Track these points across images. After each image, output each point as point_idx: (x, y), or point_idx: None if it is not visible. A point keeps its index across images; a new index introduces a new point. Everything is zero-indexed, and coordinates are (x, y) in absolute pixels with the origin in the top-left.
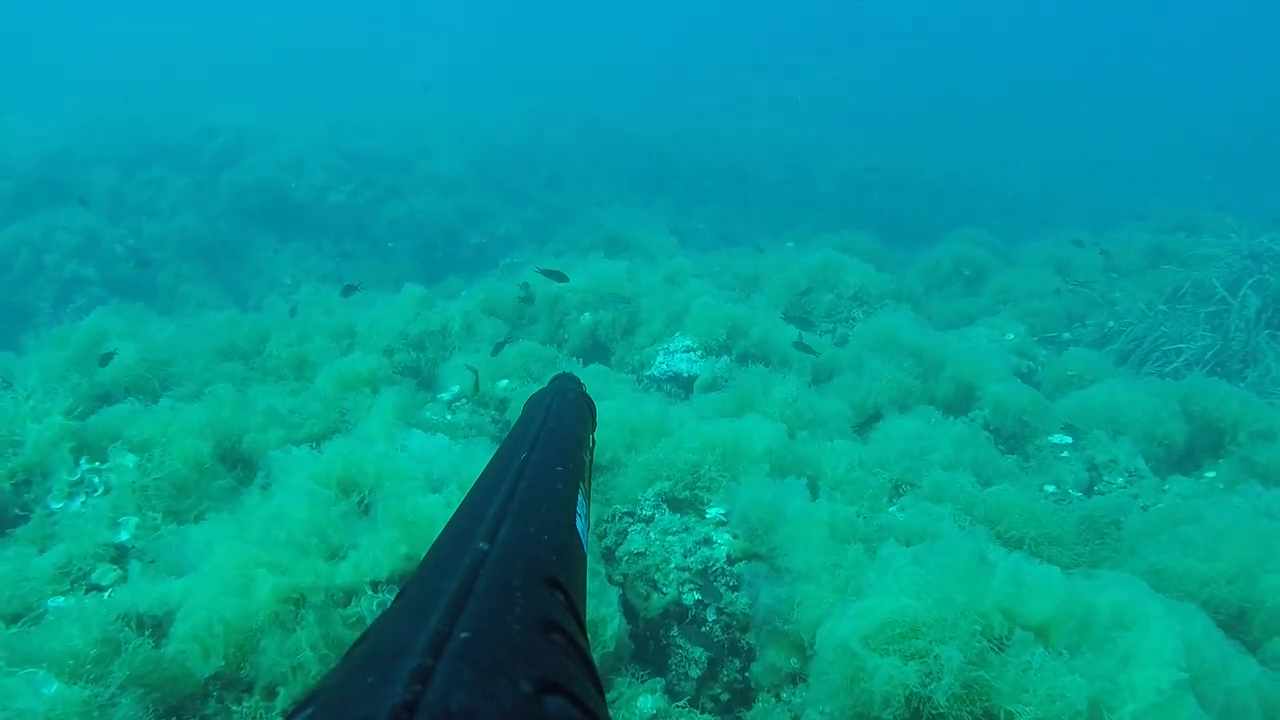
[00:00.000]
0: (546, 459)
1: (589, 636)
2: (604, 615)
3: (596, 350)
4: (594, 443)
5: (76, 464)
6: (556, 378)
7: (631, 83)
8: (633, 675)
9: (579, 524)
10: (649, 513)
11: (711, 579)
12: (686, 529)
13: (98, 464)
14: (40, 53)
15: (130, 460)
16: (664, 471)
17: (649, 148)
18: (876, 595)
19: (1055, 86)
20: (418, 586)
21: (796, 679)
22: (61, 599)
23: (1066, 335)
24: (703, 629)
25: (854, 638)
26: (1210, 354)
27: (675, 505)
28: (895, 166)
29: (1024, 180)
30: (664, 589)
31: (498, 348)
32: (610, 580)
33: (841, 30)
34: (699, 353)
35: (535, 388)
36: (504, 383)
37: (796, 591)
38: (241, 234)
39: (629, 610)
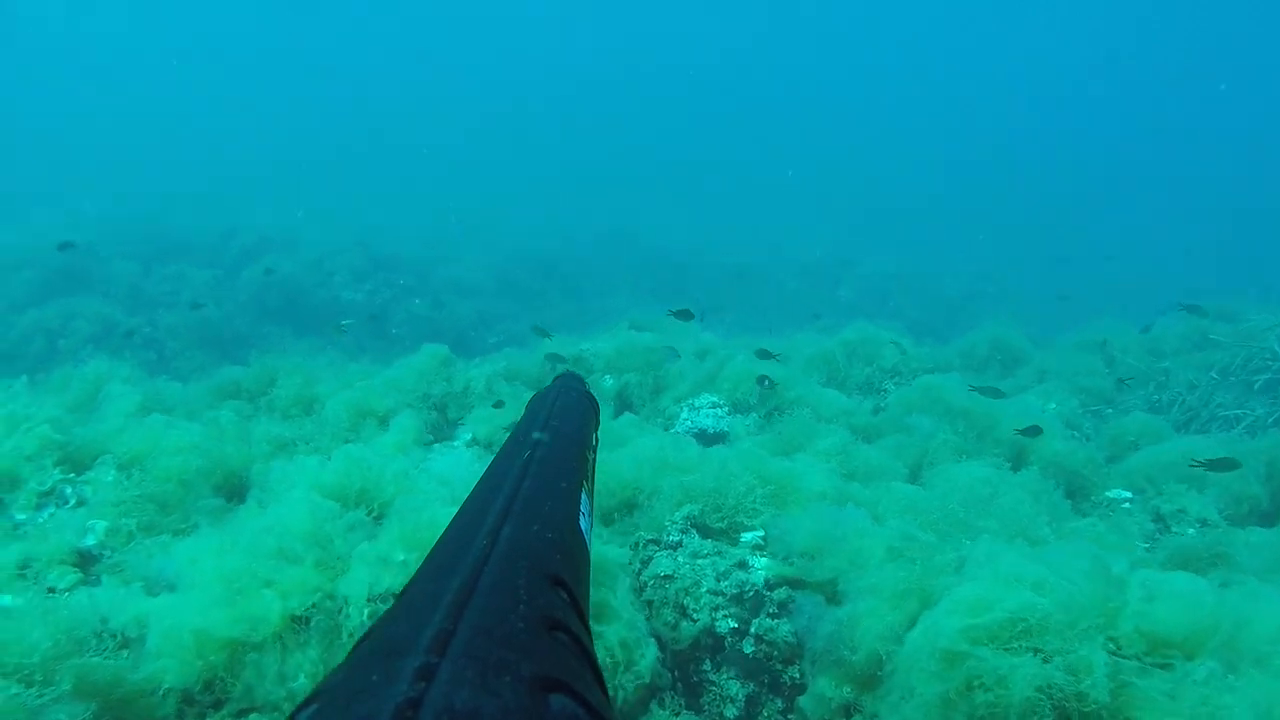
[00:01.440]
0: (550, 457)
1: (623, 662)
2: (638, 639)
3: (623, 410)
4: (597, 441)
5: (50, 471)
6: (560, 376)
7: (653, 190)
8: (672, 712)
9: (582, 522)
10: (676, 538)
11: (748, 605)
12: (719, 553)
13: (73, 475)
14: (73, 149)
15: (111, 475)
16: (696, 494)
17: (667, 257)
18: (986, 588)
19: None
20: (422, 584)
21: (851, 712)
22: (9, 597)
23: (1109, 411)
24: (739, 662)
25: (963, 639)
26: (1273, 419)
27: (706, 532)
28: (915, 273)
29: (1040, 289)
30: (694, 615)
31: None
32: (638, 594)
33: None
34: (725, 409)
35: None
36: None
37: (855, 611)
38: (256, 329)
39: (659, 647)
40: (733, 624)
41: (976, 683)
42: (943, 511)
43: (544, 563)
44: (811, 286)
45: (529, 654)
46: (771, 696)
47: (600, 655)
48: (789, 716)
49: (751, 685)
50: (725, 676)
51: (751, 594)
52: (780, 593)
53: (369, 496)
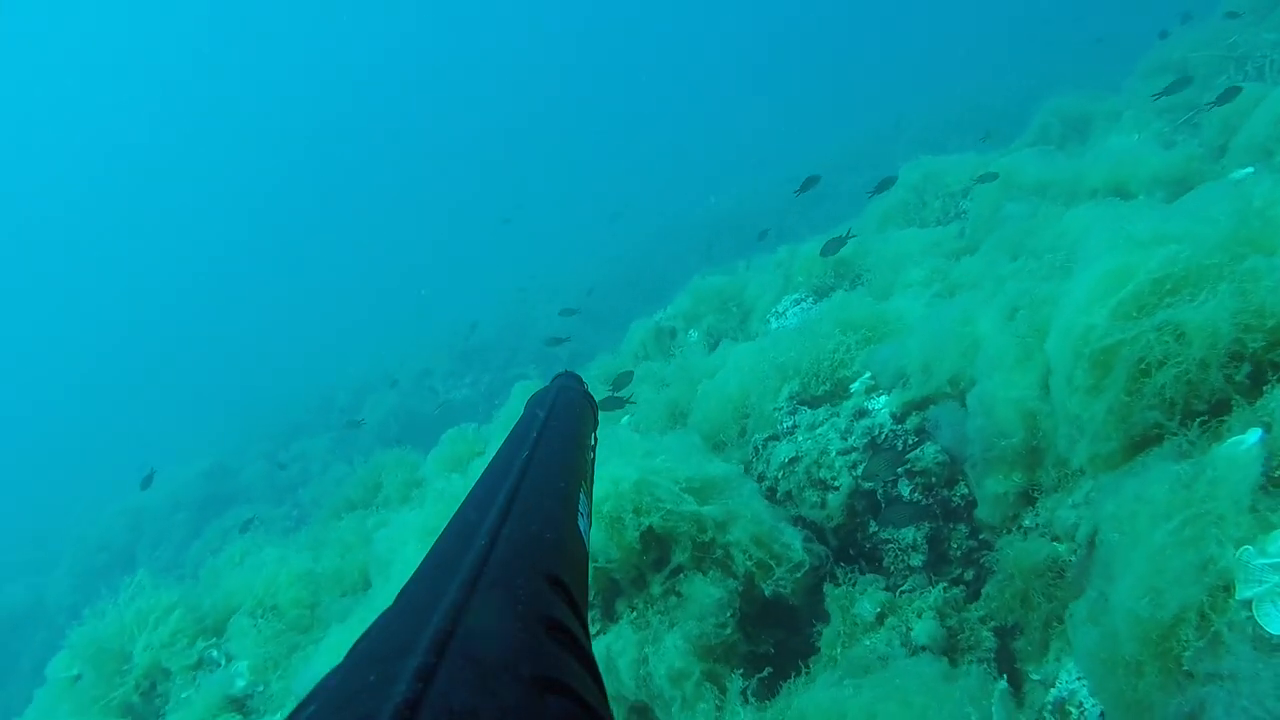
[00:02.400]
0: (549, 457)
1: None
2: (770, 529)
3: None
4: (596, 440)
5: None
6: (558, 376)
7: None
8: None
9: (581, 522)
10: (788, 422)
11: (886, 446)
12: (834, 414)
13: (214, 639)
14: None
15: (245, 622)
16: (791, 371)
17: (728, 220)
18: (1120, 258)
19: None
20: (420, 584)
21: (1031, 495)
22: None
23: (1204, 107)
24: (903, 507)
25: (1113, 326)
26: None
27: (814, 403)
28: (961, 113)
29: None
30: (835, 483)
31: (618, 382)
32: (774, 498)
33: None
34: (810, 300)
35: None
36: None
37: (986, 393)
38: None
39: (816, 534)
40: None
41: (1148, 363)
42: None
43: (543, 563)
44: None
45: (527, 654)
46: (951, 525)
47: (739, 562)
48: (980, 536)
49: (926, 524)
50: (896, 527)
51: (884, 434)
52: (912, 420)
53: None
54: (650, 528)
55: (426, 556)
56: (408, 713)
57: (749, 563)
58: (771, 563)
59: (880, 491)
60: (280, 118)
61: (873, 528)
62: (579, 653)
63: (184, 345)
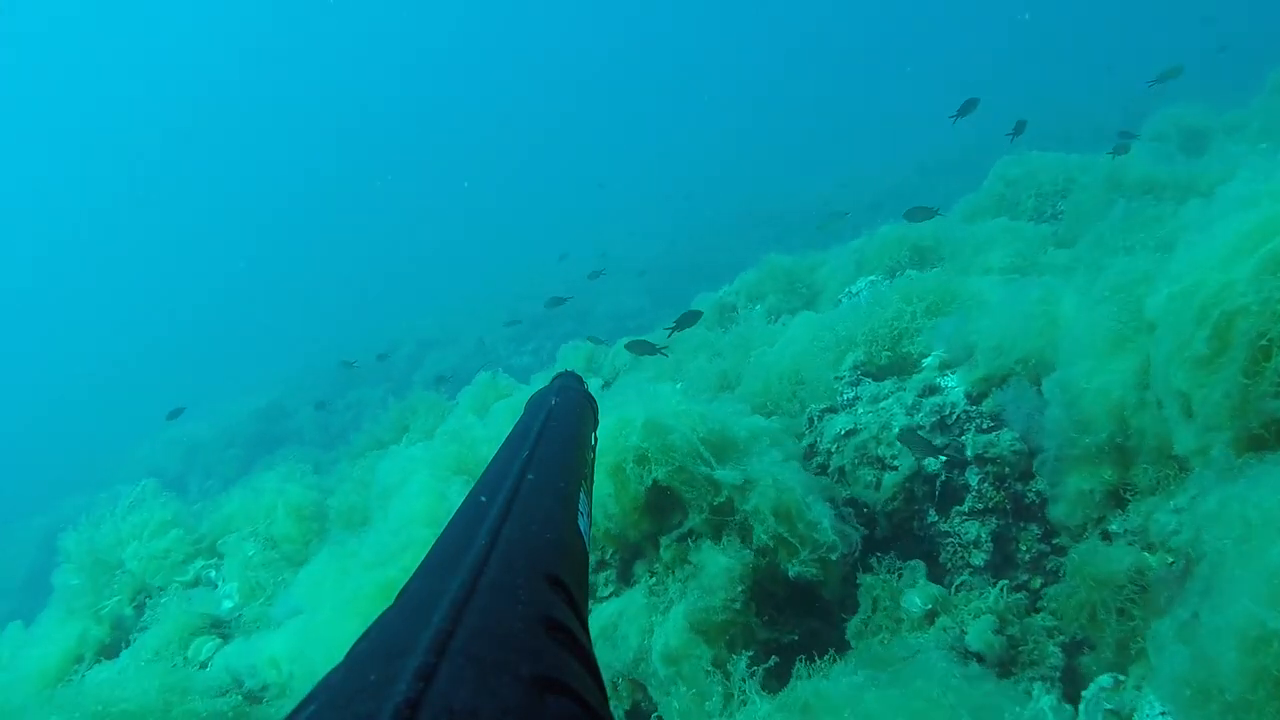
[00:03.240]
0: (549, 457)
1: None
2: (795, 502)
3: None
4: (596, 440)
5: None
6: (558, 376)
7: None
8: (887, 570)
9: (581, 522)
10: (849, 394)
11: (956, 429)
12: (900, 387)
13: (214, 560)
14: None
15: (239, 546)
16: (852, 340)
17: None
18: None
19: None
20: (421, 583)
21: (1122, 495)
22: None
23: None
24: (969, 497)
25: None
26: None
27: (879, 374)
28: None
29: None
30: (894, 462)
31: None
32: (825, 474)
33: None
34: (884, 282)
35: None
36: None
37: (1070, 379)
38: None
39: (860, 515)
40: (944, 456)
41: (1270, 340)
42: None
43: (543, 562)
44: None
45: (528, 654)
46: (1022, 524)
47: (757, 534)
48: (1055, 539)
49: (994, 520)
50: (958, 520)
51: (955, 415)
52: (989, 402)
53: (467, 464)
54: (656, 482)
55: (427, 555)
56: (408, 712)
57: (766, 537)
58: (795, 541)
59: (945, 478)
60: (373, 84)
61: (932, 517)
62: (579, 652)
63: (262, 297)
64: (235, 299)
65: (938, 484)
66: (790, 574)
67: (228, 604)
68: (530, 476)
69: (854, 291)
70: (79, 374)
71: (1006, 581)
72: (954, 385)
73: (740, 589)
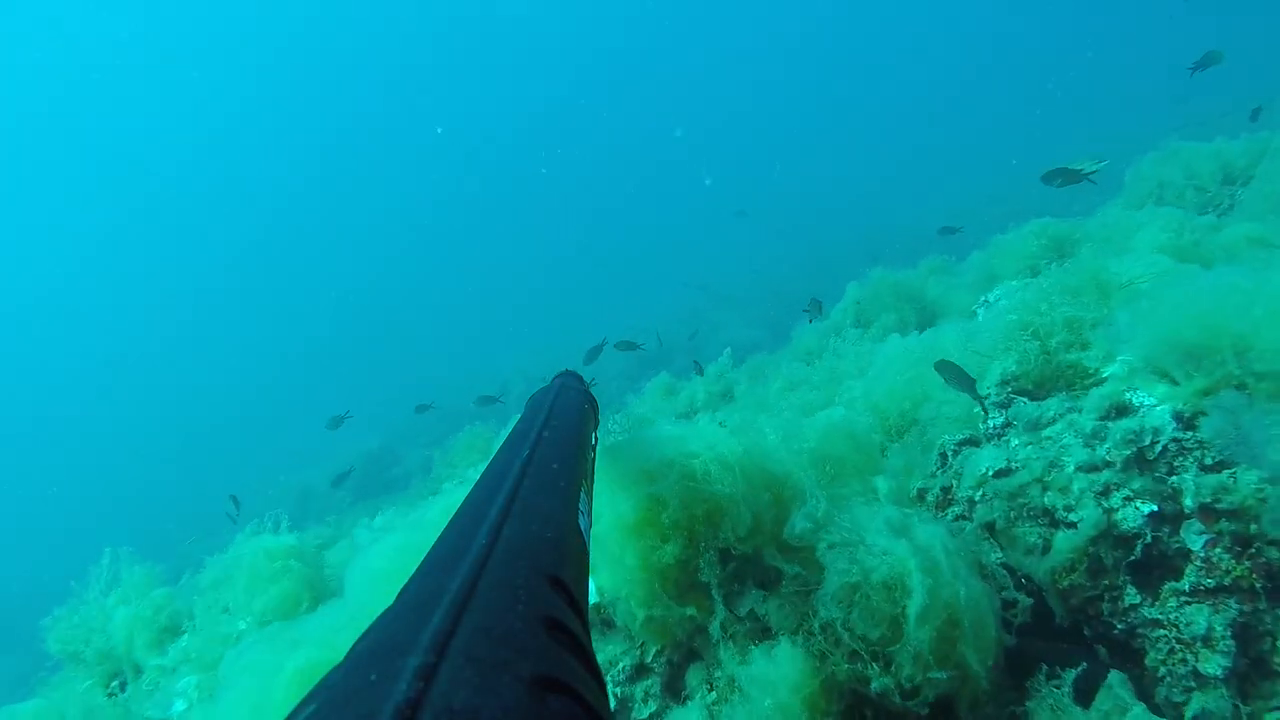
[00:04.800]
0: (549, 457)
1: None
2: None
3: None
4: (597, 440)
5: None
6: (559, 375)
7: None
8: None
9: (581, 521)
10: (998, 420)
11: (1163, 466)
12: (1074, 409)
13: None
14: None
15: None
16: (1000, 347)
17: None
18: None
19: None
20: (421, 583)
21: None
22: None
23: None
24: (1189, 567)
25: None
26: None
27: (1039, 393)
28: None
29: None
30: (1070, 514)
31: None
32: (964, 534)
33: None
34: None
35: None
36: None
37: None
38: None
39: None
40: (1149, 506)
41: None
42: None
43: (543, 562)
44: None
45: (528, 654)
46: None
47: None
48: None
49: (1232, 604)
50: (1174, 603)
51: (1161, 446)
52: (1211, 425)
53: None
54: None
55: (428, 555)
56: (408, 711)
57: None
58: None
59: (1150, 537)
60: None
61: (1132, 597)
62: (579, 652)
63: (379, 339)
64: (348, 339)
65: (1139, 548)
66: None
67: (179, 705)
68: (530, 476)
69: (989, 301)
70: (196, 420)
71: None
72: (1155, 403)
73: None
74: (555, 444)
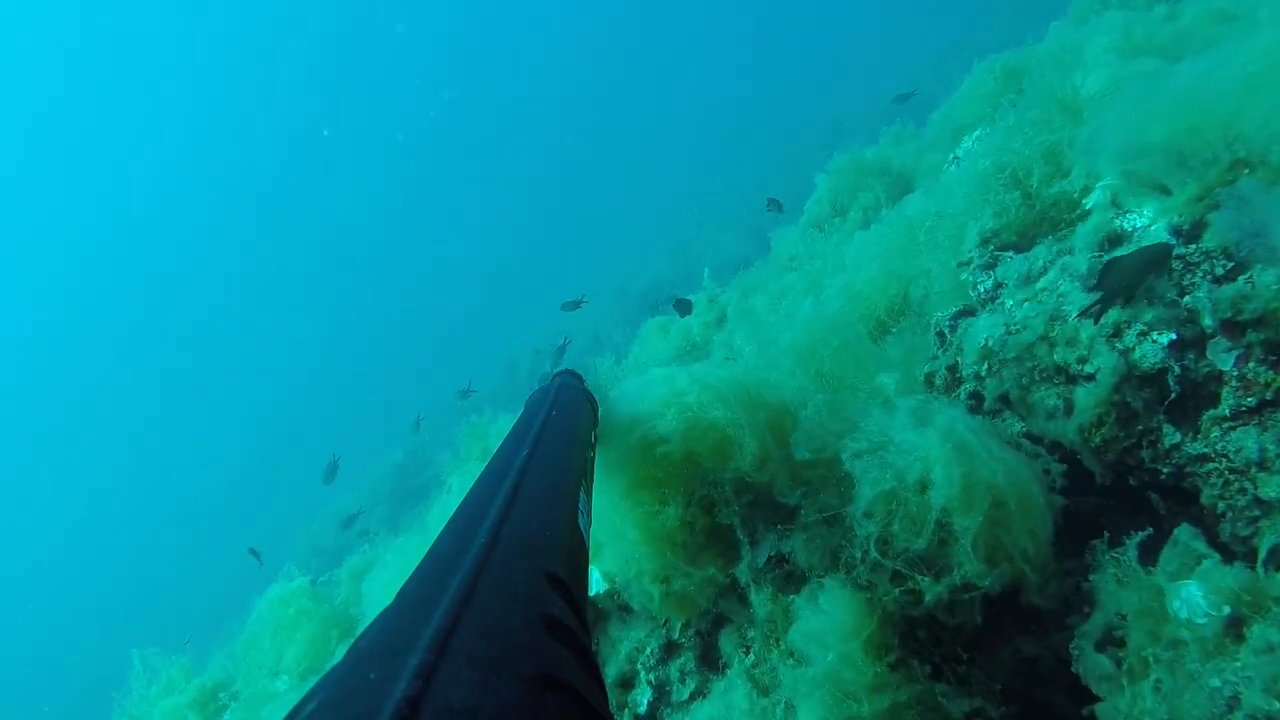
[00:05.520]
0: (549, 456)
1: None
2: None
3: None
4: (596, 439)
5: None
6: (558, 374)
7: None
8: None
9: (581, 520)
10: (986, 282)
11: (1169, 287)
12: (1063, 251)
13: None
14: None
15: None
16: (976, 201)
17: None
18: None
19: None
20: (420, 582)
21: None
22: None
23: None
24: (1225, 390)
25: None
26: None
27: (1022, 244)
28: None
29: None
30: (1084, 365)
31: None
32: (981, 410)
33: None
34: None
35: None
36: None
37: None
38: None
39: (1064, 463)
40: (1167, 335)
41: None
42: None
43: (543, 562)
44: None
45: (527, 653)
46: None
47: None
48: None
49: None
50: (1217, 432)
51: (1176, 262)
52: (1213, 234)
53: None
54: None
55: (427, 554)
56: (408, 710)
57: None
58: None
59: (1175, 369)
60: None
61: (1170, 436)
62: (579, 651)
63: (374, 351)
64: (352, 356)
65: (1170, 381)
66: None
67: None
68: (530, 476)
69: (957, 156)
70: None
71: None
72: (1148, 222)
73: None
74: (555, 443)
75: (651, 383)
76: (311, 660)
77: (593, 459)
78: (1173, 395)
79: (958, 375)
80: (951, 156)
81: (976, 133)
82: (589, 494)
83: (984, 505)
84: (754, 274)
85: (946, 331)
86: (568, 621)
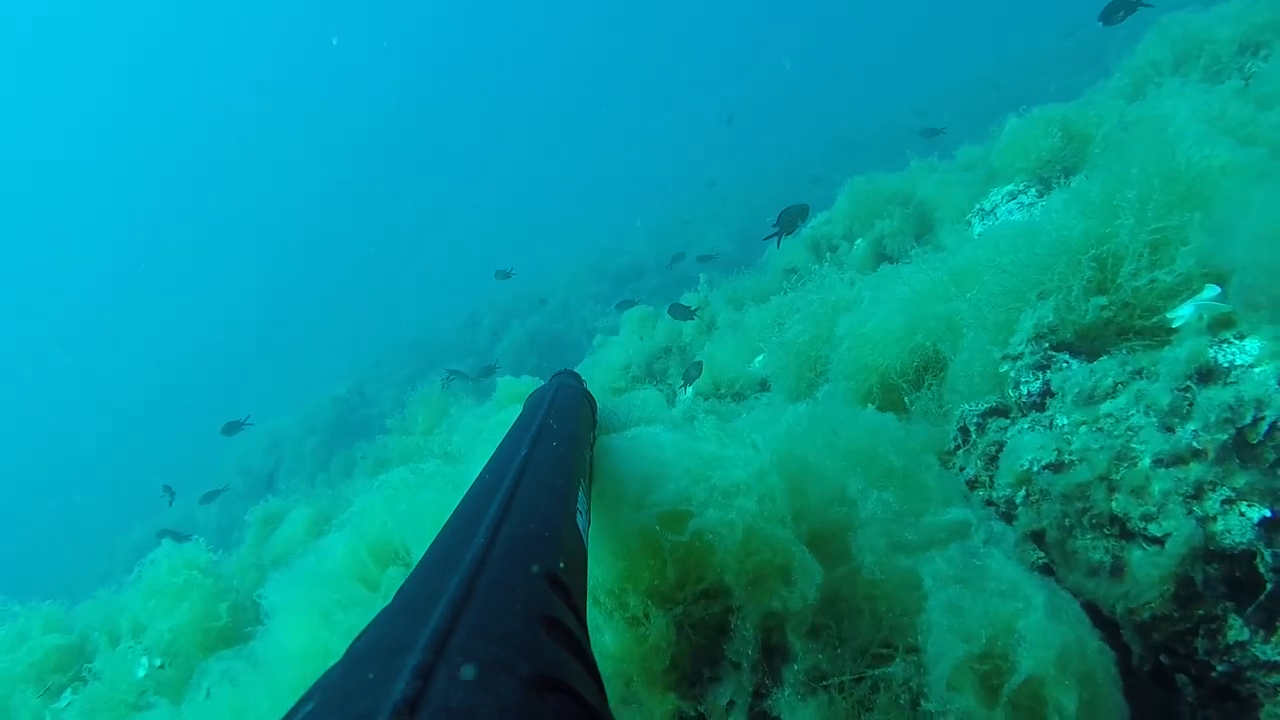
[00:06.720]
0: (547, 455)
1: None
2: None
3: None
4: (595, 439)
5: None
6: (557, 374)
7: None
8: None
9: (580, 520)
10: (1033, 385)
11: (1269, 450)
12: (1138, 372)
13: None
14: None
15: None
16: (1032, 279)
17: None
18: None
19: None
20: (419, 582)
21: None
22: None
23: None
24: None
25: None
26: None
27: (1080, 347)
28: None
29: None
30: (1150, 527)
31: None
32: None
33: None
34: (1033, 190)
35: None
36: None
37: None
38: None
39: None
40: (1260, 510)
41: None
42: None
43: (542, 562)
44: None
45: (526, 653)
46: None
47: None
48: None
49: None
50: None
51: (1269, 421)
52: None
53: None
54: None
55: (425, 554)
56: (406, 711)
57: None
58: None
59: (1266, 555)
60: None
61: (1236, 632)
62: (578, 652)
63: (336, 274)
64: (313, 289)
65: (1261, 568)
66: None
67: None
68: (528, 475)
69: (988, 209)
70: (165, 375)
71: None
72: (1250, 361)
73: None
74: (553, 443)
75: (674, 446)
76: (192, 636)
77: (591, 459)
78: (1267, 589)
79: (987, 498)
80: (977, 208)
81: (1009, 186)
82: (588, 494)
83: (1076, 679)
84: (746, 282)
85: (972, 429)
86: (567, 622)
